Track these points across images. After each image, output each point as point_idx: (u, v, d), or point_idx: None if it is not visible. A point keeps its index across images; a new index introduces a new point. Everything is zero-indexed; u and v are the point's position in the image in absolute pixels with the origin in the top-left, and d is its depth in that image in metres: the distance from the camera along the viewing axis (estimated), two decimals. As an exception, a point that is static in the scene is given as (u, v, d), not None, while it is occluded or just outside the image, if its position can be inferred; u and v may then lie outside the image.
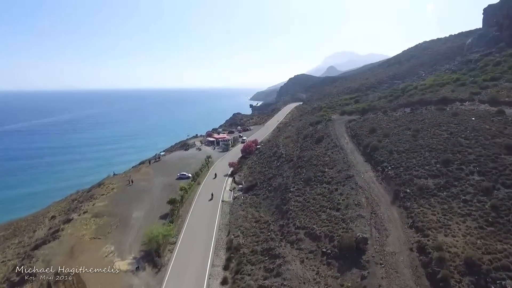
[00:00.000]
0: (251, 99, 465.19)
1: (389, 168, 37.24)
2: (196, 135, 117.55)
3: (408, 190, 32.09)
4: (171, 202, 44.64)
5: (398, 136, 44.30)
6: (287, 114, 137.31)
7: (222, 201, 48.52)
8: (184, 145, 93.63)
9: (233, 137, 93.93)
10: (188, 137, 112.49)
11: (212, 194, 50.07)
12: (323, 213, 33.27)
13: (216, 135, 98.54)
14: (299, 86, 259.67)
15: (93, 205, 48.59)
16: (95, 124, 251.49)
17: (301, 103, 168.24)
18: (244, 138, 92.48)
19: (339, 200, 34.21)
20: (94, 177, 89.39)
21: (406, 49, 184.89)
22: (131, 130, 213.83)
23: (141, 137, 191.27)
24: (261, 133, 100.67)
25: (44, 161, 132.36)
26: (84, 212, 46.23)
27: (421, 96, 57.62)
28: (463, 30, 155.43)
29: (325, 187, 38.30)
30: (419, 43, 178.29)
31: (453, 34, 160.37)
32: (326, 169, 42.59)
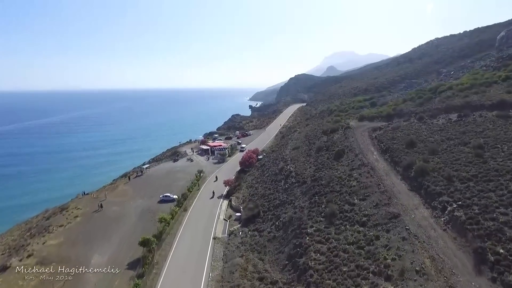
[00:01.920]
0: (251, 99, 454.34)
1: (455, 206, 25.47)
2: (190, 140, 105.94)
3: (501, 250, 20.35)
4: (144, 243, 32.83)
5: (452, 154, 32.59)
6: (290, 117, 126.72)
7: (214, 238, 36.75)
8: (174, 154, 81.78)
9: (230, 145, 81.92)
10: (181, 143, 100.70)
11: (213, 192, 50.10)
12: (363, 281, 21.51)
13: (210, 143, 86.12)
14: (300, 86, 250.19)
15: (44, 243, 36.91)
16: (90, 126, 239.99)
17: (304, 104, 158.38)
18: (243, 146, 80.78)
19: (386, 258, 22.46)
20: (77, 189, 77.64)
21: (416, 46, 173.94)
22: (127, 133, 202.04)
23: (136, 140, 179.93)
24: (262, 139, 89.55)
25: (31, 168, 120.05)
26: (29, 256, 34.58)
27: (465, 99, 46.07)
28: (477, 26, 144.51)
29: (359, 232, 26.54)
30: (431, 40, 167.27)
31: (467, 30, 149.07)
32: (356, 200, 30.92)
